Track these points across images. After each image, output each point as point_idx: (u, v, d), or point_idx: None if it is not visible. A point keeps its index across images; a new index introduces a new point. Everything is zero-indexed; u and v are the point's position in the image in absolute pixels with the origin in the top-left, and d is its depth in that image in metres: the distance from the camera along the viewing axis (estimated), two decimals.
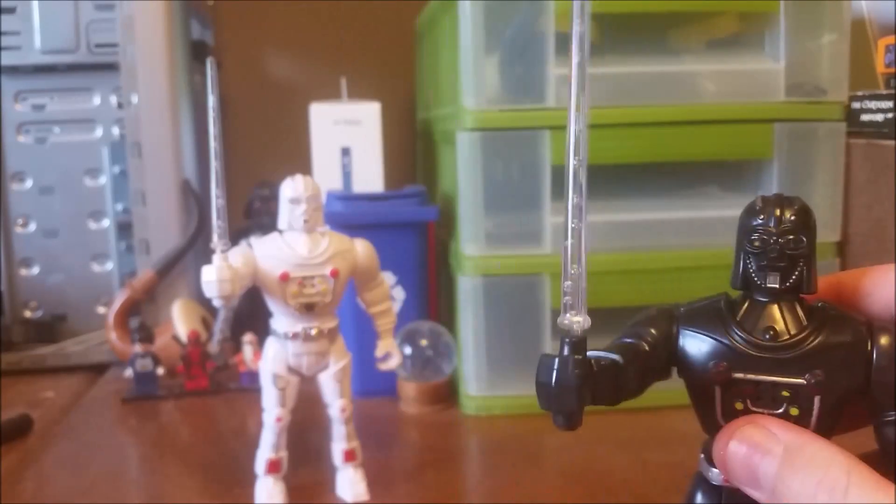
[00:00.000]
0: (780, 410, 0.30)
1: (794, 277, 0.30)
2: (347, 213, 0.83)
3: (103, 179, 1.02)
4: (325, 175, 0.92)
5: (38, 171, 1.02)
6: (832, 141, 0.79)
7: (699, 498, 0.33)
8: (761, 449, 0.28)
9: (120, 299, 0.93)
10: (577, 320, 0.29)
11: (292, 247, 0.58)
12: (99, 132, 1.02)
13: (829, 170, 0.80)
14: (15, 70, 0.99)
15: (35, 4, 0.98)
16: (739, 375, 0.30)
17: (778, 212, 0.30)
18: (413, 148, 1.23)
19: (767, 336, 0.30)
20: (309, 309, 0.58)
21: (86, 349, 0.98)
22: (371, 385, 0.82)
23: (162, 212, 0.95)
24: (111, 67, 0.97)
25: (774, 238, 0.30)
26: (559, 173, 0.76)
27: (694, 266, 0.77)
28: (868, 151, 0.77)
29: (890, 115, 0.75)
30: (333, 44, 1.23)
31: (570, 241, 0.28)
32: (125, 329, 0.91)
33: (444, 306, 0.89)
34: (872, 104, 0.77)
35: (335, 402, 0.61)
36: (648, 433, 0.72)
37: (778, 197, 0.31)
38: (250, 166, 1.22)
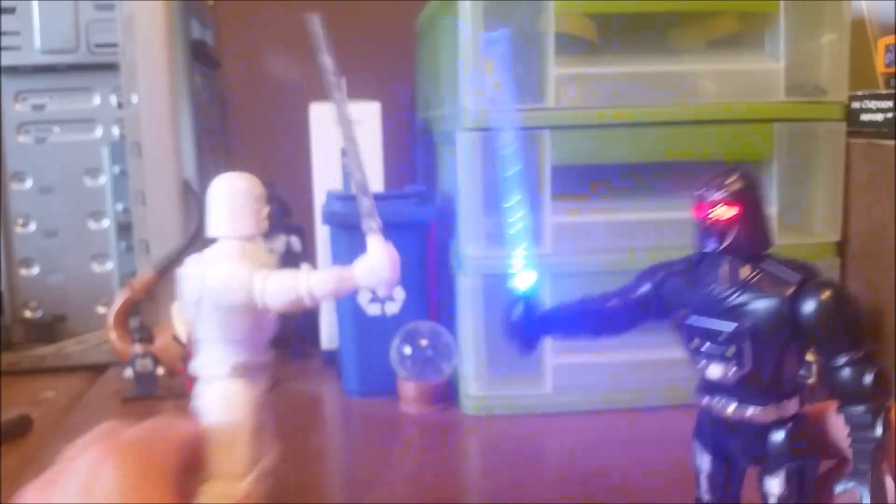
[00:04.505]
0: (723, 350, 0.36)
1: (728, 241, 0.36)
2: (347, 213, 0.83)
3: (103, 179, 1.02)
4: (325, 175, 0.92)
5: (38, 171, 1.02)
6: (832, 141, 0.79)
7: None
8: None
9: (120, 299, 0.93)
10: (520, 278, 0.40)
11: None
12: (99, 132, 1.02)
13: (829, 170, 0.79)
14: (15, 70, 0.99)
15: (35, 4, 0.98)
16: (693, 319, 0.37)
17: (715, 184, 0.36)
18: (413, 148, 1.23)
19: (709, 289, 0.37)
20: None
21: (86, 349, 0.98)
22: (371, 385, 0.82)
23: (162, 212, 0.95)
24: (111, 67, 0.97)
25: (709, 207, 0.36)
26: (559, 173, 0.76)
27: None
28: (868, 151, 0.77)
29: (890, 115, 0.75)
30: (333, 44, 1.23)
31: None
32: (125, 329, 0.90)
33: (444, 306, 0.89)
34: (872, 104, 0.77)
35: None
36: (648, 433, 0.72)
37: (721, 171, 0.37)
38: (250, 166, 1.22)
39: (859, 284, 0.79)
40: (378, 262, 0.47)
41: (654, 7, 0.77)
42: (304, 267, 0.47)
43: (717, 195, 0.36)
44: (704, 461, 0.39)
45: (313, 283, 0.45)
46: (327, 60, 0.48)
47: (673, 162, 0.79)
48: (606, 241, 0.77)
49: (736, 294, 0.36)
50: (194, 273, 0.47)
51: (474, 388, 0.78)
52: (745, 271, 0.36)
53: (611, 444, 0.70)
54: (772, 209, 0.78)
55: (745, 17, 0.82)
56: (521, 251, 0.40)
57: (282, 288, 0.45)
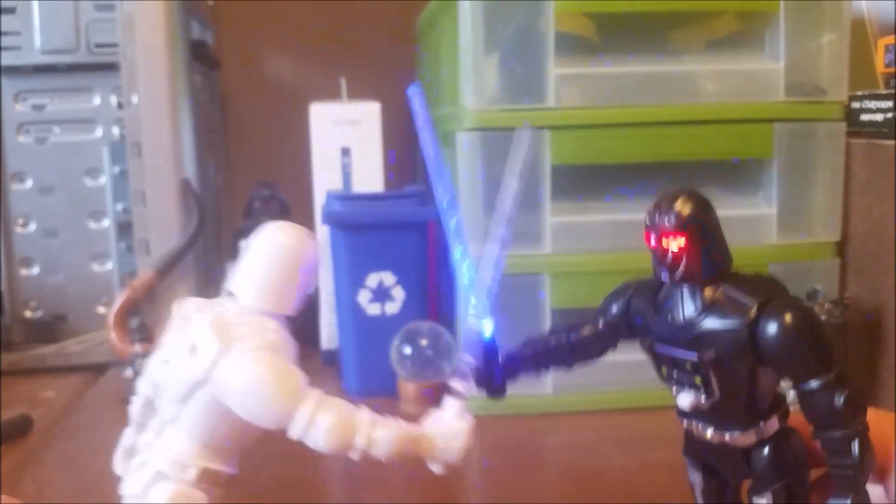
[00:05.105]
0: (692, 379, 0.35)
1: (680, 270, 0.34)
2: (347, 213, 0.83)
3: (103, 179, 1.02)
4: (325, 175, 0.92)
5: (38, 171, 1.01)
6: (832, 141, 0.79)
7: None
8: None
9: (120, 299, 0.93)
10: (481, 324, 0.39)
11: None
12: (99, 132, 1.02)
13: (829, 170, 0.79)
14: (15, 70, 0.99)
15: (35, 4, 0.98)
16: (658, 348, 0.36)
17: (660, 210, 0.35)
18: (413, 148, 1.23)
19: (669, 318, 0.35)
20: None
21: (86, 349, 0.98)
22: (371, 385, 0.82)
23: (162, 212, 0.94)
24: (111, 67, 0.97)
25: (656, 237, 0.35)
26: (559, 173, 0.76)
27: None
28: (868, 151, 0.77)
29: (890, 115, 0.75)
30: (333, 44, 1.23)
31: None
32: (125, 329, 0.90)
33: (444, 306, 0.89)
34: (872, 104, 0.77)
35: None
36: (648, 433, 0.72)
37: (665, 195, 0.35)
38: (250, 166, 1.22)
39: (859, 284, 0.79)
40: (456, 431, 0.41)
41: (654, 7, 0.77)
42: (364, 409, 0.37)
43: (662, 225, 0.35)
44: (696, 477, 0.39)
45: (376, 438, 0.36)
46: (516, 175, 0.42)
47: (673, 162, 0.79)
48: (606, 241, 0.77)
49: (696, 322, 0.34)
50: (207, 346, 0.37)
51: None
52: (703, 297, 0.35)
53: (611, 444, 0.70)
54: (772, 209, 0.78)
55: (745, 17, 0.82)
56: (474, 301, 0.40)
57: (336, 431, 0.36)
